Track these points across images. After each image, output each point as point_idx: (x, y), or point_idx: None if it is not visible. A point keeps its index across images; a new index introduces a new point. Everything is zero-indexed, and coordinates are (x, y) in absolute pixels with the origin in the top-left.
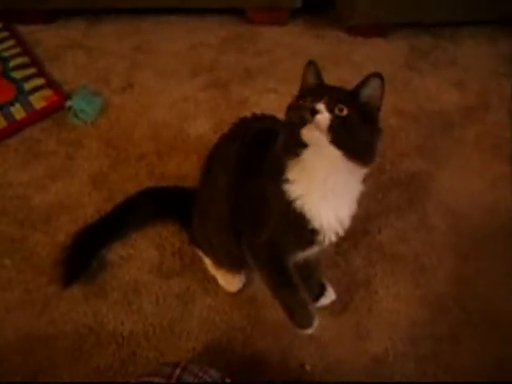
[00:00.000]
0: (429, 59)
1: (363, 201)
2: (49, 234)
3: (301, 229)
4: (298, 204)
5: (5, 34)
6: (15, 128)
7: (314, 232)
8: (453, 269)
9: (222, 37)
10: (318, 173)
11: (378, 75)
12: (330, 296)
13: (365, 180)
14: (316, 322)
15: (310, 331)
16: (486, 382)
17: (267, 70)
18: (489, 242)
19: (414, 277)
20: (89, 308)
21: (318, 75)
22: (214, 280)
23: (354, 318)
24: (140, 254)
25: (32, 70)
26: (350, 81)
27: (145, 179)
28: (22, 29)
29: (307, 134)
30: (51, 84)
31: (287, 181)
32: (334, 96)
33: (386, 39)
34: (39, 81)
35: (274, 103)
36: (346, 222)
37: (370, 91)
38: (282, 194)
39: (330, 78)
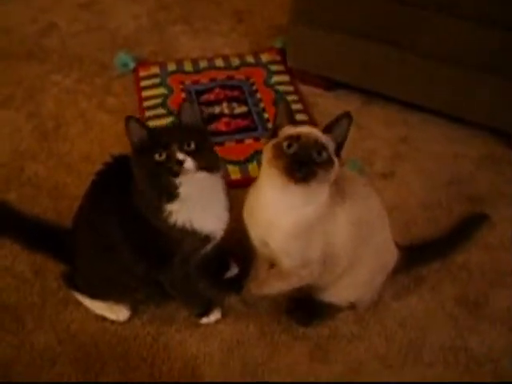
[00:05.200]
0: None
1: None
2: None
3: (199, 240)
4: (188, 225)
5: (290, 88)
6: None
7: (208, 236)
8: None
9: (481, 153)
10: (195, 195)
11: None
12: (233, 270)
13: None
14: (216, 315)
15: (206, 320)
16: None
17: None
18: None
19: None
20: None
21: (145, 126)
22: None
23: None
24: None
25: None
26: None
27: None
28: (304, 88)
29: (182, 178)
30: None
31: (171, 213)
32: (179, 138)
33: None
34: None
35: None
36: (225, 216)
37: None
38: (171, 226)
39: None
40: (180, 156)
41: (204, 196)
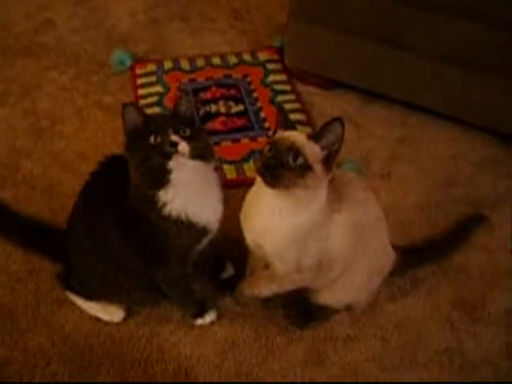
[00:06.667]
0: None
1: None
2: None
3: (194, 232)
4: (183, 216)
5: (287, 87)
6: None
7: (204, 228)
8: None
9: (481, 155)
10: (187, 182)
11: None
12: (229, 270)
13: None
14: (211, 317)
15: (201, 321)
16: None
17: None
18: None
19: None
20: None
21: (142, 113)
22: None
23: None
24: None
25: (307, 130)
26: None
27: None
28: (301, 87)
29: (175, 163)
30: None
31: (165, 204)
32: (175, 123)
33: None
34: None
35: None
36: (220, 207)
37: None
38: (166, 218)
39: None
40: (174, 138)
41: (197, 185)
